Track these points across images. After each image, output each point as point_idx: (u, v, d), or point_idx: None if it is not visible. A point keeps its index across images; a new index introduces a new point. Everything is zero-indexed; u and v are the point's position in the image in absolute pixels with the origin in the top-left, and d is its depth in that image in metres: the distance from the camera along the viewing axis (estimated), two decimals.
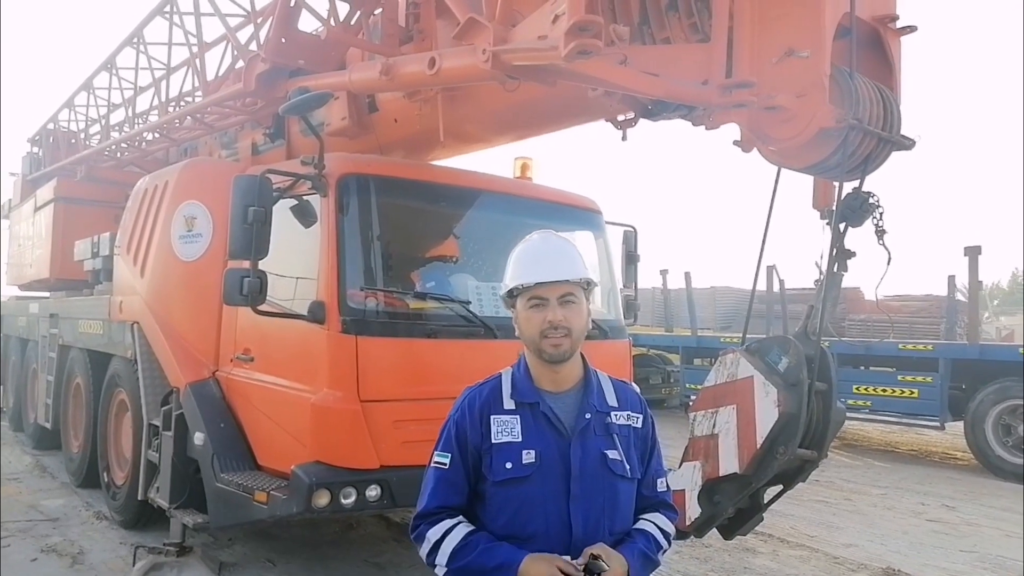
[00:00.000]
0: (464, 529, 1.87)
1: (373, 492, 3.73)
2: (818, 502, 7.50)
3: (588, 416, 1.91)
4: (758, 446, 3.35)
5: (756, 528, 4.02)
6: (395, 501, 3.82)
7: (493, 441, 1.87)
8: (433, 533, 1.87)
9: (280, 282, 4.08)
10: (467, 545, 1.83)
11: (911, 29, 3.63)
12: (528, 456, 1.85)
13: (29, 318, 8.93)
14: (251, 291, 3.74)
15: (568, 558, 1.78)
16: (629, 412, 2.00)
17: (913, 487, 8.55)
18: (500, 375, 2.01)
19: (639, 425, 2.01)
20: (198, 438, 4.46)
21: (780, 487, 3.75)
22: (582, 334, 1.93)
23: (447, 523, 1.87)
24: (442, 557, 1.84)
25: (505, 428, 1.88)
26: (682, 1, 3.59)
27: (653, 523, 2.01)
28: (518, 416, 1.90)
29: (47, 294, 9.15)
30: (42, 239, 8.96)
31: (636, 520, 2.00)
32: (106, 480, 6.13)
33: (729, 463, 3.47)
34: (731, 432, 3.49)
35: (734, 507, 3.66)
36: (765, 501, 3.81)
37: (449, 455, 1.91)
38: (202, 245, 4.96)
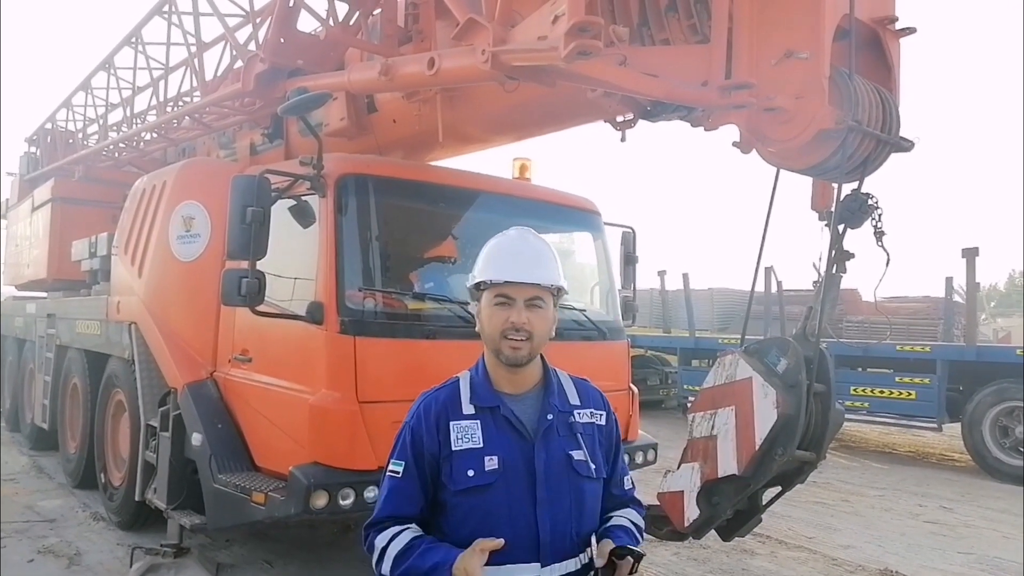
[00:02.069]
0: (410, 534, 1.81)
1: (371, 493, 3.69)
2: (816, 503, 7.50)
3: (550, 417, 1.86)
4: (757, 447, 3.34)
5: (754, 530, 4.01)
6: None
7: (453, 448, 1.80)
8: (380, 540, 1.82)
9: (278, 282, 4.07)
10: (410, 548, 1.78)
11: (910, 31, 3.63)
12: (491, 463, 1.79)
13: (26, 318, 8.90)
14: (249, 291, 3.73)
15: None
16: (592, 410, 1.96)
17: (911, 488, 8.56)
18: (457, 379, 1.93)
19: (603, 423, 1.97)
20: (196, 439, 4.45)
21: (778, 488, 3.74)
22: (544, 340, 1.88)
23: (393, 529, 1.82)
24: (387, 564, 1.79)
25: (465, 434, 1.81)
26: (681, 2, 3.59)
27: (627, 519, 1.99)
28: (478, 421, 1.83)
29: (44, 294, 9.13)
30: (39, 239, 8.95)
31: (606, 519, 1.97)
32: (103, 481, 6.12)
33: (728, 464, 3.45)
34: (730, 433, 3.47)
35: (732, 508, 3.64)
36: (764, 503, 3.80)
37: (403, 463, 1.85)
38: (200, 245, 4.96)
